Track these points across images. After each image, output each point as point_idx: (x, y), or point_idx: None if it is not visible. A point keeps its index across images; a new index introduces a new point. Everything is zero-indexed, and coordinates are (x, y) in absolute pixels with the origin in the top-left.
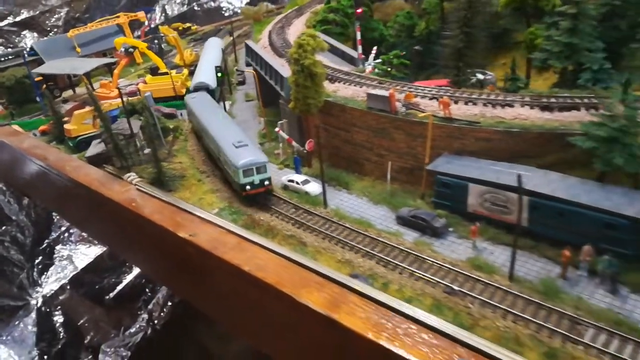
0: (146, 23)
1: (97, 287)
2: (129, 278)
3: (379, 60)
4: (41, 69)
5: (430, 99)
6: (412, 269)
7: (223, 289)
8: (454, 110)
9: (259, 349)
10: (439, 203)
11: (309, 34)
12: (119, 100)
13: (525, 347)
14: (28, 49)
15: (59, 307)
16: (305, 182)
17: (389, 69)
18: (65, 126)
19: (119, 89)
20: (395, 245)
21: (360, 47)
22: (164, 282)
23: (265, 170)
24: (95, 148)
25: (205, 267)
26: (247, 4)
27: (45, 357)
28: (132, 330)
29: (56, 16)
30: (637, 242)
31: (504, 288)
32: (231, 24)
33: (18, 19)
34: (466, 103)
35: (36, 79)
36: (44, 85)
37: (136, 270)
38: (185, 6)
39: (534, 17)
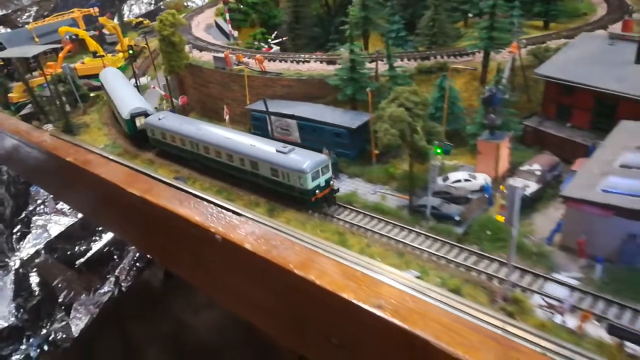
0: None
1: (69, 252)
2: (98, 245)
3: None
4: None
5: (269, 60)
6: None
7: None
8: (271, 66)
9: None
10: (255, 132)
11: (169, 12)
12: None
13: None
14: None
15: (35, 269)
16: None
17: (255, 42)
18: (9, 95)
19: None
20: None
21: (229, 25)
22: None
23: (328, 169)
24: (27, 109)
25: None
26: None
27: (22, 310)
28: (101, 291)
29: (27, 14)
30: (354, 145)
31: None
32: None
33: None
34: (281, 61)
35: None
36: (5, 70)
37: (105, 239)
38: (152, 5)
39: None
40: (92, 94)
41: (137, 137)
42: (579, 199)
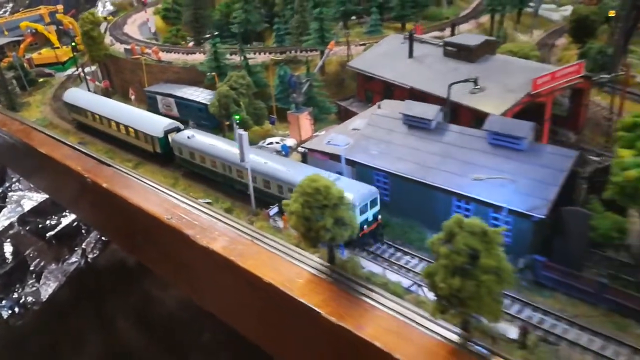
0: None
1: (40, 226)
2: (68, 220)
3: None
4: None
5: (167, 52)
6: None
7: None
8: (166, 57)
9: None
10: (150, 110)
11: (90, 12)
12: None
13: None
14: None
15: (8, 239)
16: None
17: (174, 38)
18: None
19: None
20: None
21: (149, 22)
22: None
23: (376, 202)
24: None
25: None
26: None
27: None
28: (70, 261)
29: (3, 9)
30: (211, 118)
31: None
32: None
33: None
34: (177, 53)
35: None
36: None
37: (74, 215)
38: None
39: None
40: (40, 80)
41: (169, 155)
42: (311, 149)
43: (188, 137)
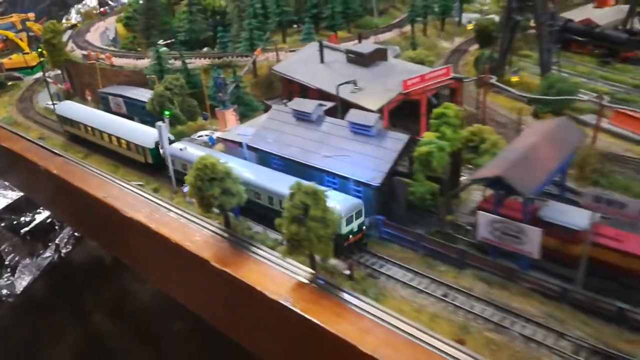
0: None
1: (15, 222)
2: (42, 217)
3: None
4: None
5: (120, 57)
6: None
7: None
8: (119, 62)
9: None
10: (103, 109)
11: (51, 22)
12: None
13: None
14: None
15: None
16: None
17: (130, 45)
18: None
19: None
20: None
21: (107, 31)
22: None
23: (361, 213)
24: None
25: None
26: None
27: None
28: (44, 256)
29: None
30: (152, 115)
31: None
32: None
33: None
34: (128, 58)
35: None
36: None
37: (48, 212)
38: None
39: None
40: (10, 83)
41: (161, 165)
42: (225, 139)
43: (180, 150)
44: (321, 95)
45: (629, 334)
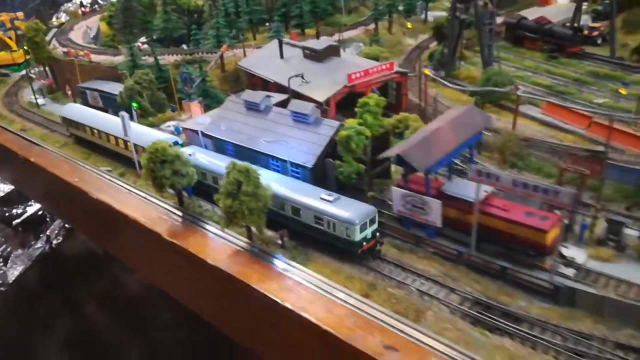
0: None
1: (7, 214)
2: (33, 209)
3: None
4: None
5: (98, 54)
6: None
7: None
8: (97, 58)
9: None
10: (82, 103)
11: (34, 22)
12: None
13: None
14: None
15: None
16: None
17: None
18: None
19: None
20: None
21: (94, 30)
22: None
23: (375, 220)
24: None
25: None
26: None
27: None
28: (35, 247)
29: None
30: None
31: None
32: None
33: None
34: (106, 55)
35: None
36: None
37: (39, 204)
38: (88, 7)
39: None
40: None
41: None
42: (185, 127)
43: (190, 155)
44: (278, 88)
45: (509, 288)
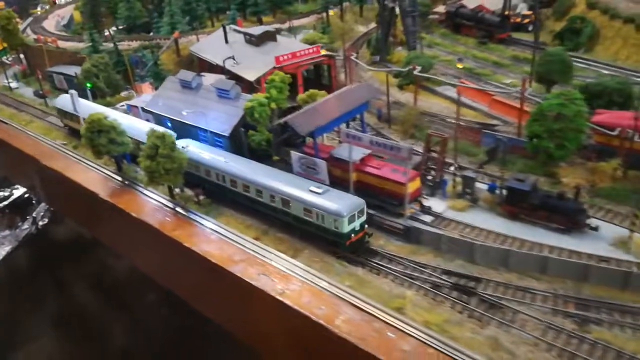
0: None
1: None
2: (19, 192)
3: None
4: None
5: (66, 40)
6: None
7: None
8: (65, 45)
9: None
10: (50, 85)
11: (7, 10)
12: None
13: None
14: None
15: None
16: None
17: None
18: None
19: None
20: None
21: (66, 19)
22: None
23: (364, 212)
24: None
25: None
26: None
27: None
28: (22, 228)
29: None
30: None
31: None
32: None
33: None
34: (72, 41)
35: None
36: None
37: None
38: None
39: None
40: None
41: None
42: (131, 105)
43: (182, 147)
44: (221, 70)
45: (376, 232)
